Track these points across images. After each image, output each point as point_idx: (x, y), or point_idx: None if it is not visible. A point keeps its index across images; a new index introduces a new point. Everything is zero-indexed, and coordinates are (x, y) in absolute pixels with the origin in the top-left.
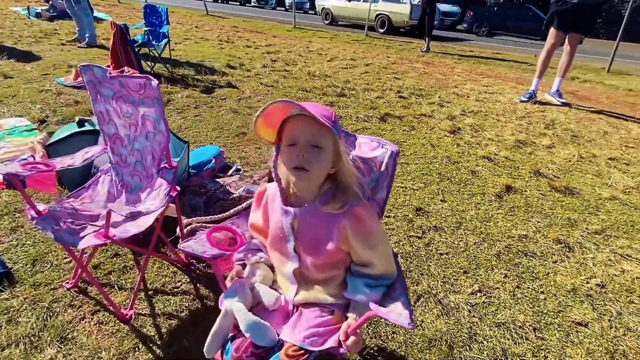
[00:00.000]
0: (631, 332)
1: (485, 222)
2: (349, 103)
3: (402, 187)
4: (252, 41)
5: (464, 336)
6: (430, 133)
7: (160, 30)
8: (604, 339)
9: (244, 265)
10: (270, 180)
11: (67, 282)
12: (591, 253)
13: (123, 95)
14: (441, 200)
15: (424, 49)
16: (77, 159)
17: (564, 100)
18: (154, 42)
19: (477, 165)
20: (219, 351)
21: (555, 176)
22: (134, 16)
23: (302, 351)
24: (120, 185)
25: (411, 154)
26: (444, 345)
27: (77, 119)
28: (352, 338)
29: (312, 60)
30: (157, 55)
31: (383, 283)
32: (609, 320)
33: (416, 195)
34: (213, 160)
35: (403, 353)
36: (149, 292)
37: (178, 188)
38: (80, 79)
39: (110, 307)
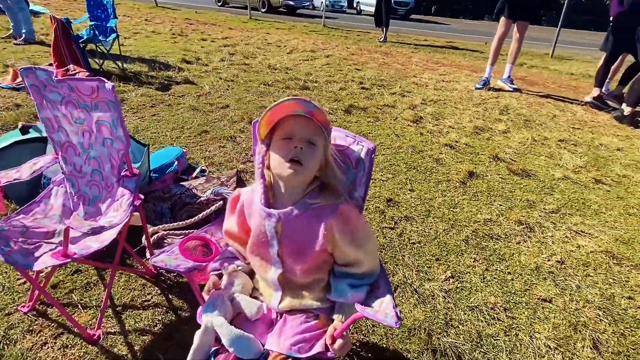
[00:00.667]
0: (589, 303)
1: (452, 209)
2: (313, 96)
3: (372, 179)
4: (207, 34)
5: (440, 322)
6: (394, 123)
7: (108, 25)
8: (566, 312)
9: (220, 275)
10: (239, 182)
11: (23, 306)
12: (550, 232)
13: (73, 99)
14: (410, 190)
15: (381, 39)
16: (24, 172)
17: (515, 86)
18: (100, 38)
19: (440, 153)
20: None
21: (512, 160)
22: (74, 9)
23: (290, 359)
24: (76, 197)
25: (378, 144)
26: (422, 333)
27: (20, 125)
28: (339, 341)
29: (272, 53)
30: (106, 51)
31: (367, 282)
32: (570, 294)
33: (386, 186)
34: (175, 162)
35: (384, 345)
36: (117, 309)
37: (142, 196)
38: (19, 79)
39: (75, 329)
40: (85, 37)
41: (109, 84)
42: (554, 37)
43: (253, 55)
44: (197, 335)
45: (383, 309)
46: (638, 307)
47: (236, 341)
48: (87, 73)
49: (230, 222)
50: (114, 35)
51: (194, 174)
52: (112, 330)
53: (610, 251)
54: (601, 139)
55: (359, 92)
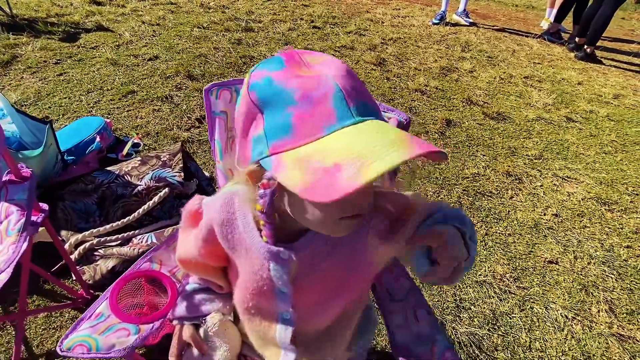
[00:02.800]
0: (593, 259)
1: (436, 165)
2: (259, 39)
3: None
4: None
5: (451, 307)
6: (356, 68)
7: None
8: (574, 273)
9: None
10: (186, 159)
11: None
12: (538, 181)
13: None
14: None
15: None
16: None
17: (471, 20)
18: None
19: (412, 100)
20: None
21: (484, 102)
22: None
23: None
24: None
25: None
26: None
27: None
28: None
29: None
30: None
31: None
32: (573, 252)
33: None
34: (97, 138)
35: None
36: None
37: (45, 206)
38: None
39: None
40: None
41: None
42: None
43: None
44: None
45: None
46: (637, 256)
47: None
48: None
49: (188, 246)
50: None
51: (125, 150)
52: None
53: (599, 196)
54: (562, 73)
55: (311, 32)
